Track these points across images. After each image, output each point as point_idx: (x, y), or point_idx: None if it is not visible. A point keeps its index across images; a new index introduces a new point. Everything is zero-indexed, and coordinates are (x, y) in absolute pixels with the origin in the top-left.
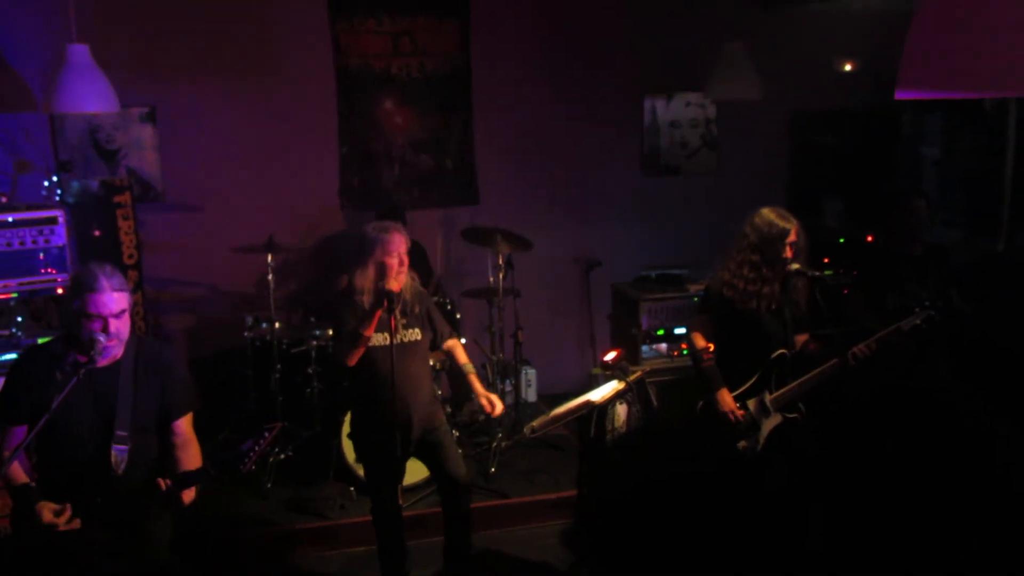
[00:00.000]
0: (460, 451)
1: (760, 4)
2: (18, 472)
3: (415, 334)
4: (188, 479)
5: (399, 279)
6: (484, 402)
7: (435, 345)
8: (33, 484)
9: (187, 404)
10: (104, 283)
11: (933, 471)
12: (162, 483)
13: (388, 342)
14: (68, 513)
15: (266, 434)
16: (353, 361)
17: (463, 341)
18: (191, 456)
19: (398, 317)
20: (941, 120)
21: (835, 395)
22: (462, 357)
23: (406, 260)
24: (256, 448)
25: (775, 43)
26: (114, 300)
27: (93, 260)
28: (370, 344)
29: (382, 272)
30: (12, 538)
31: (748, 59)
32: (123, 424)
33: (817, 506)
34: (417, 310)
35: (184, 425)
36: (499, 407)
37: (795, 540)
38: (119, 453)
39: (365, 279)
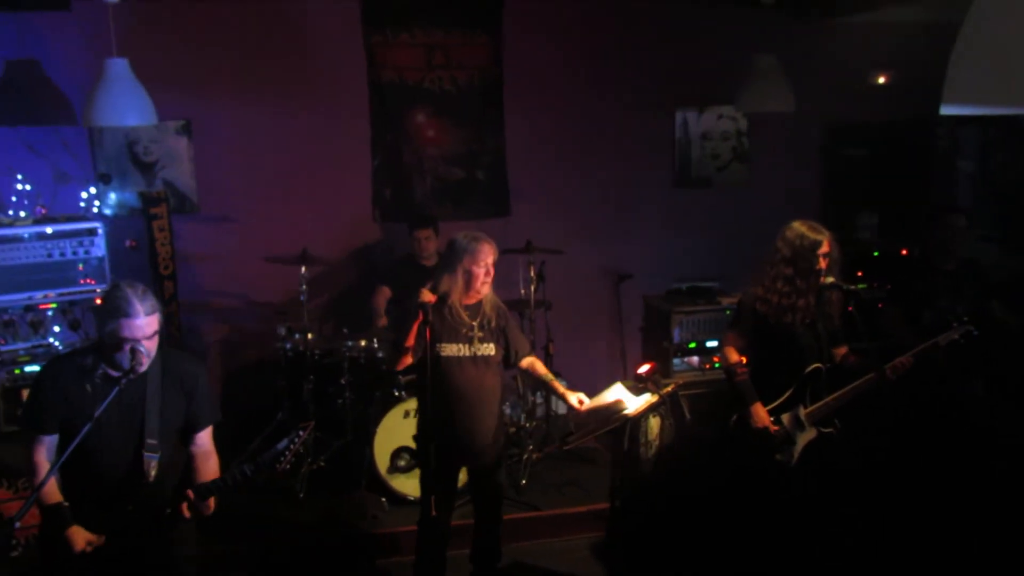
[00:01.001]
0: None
1: (793, 15)
2: (52, 490)
3: (489, 348)
4: (208, 490)
5: (482, 290)
6: (573, 401)
7: (512, 363)
8: (65, 504)
9: (210, 416)
10: (138, 307)
11: (966, 487)
12: (190, 494)
13: (461, 354)
14: (100, 542)
15: (300, 432)
16: (399, 367)
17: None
18: (210, 467)
19: (475, 329)
20: (977, 133)
21: (871, 410)
22: (541, 369)
23: (492, 271)
24: (291, 447)
25: (808, 55)
26: (148, 324)
27: (125, 278)
28: (443, 355)
29: (469, 281)
30: (41, 558)
31: (780, 71)
32: (152, 433)
33: (851, 521)
34: (494, 324)
35: (205, 436)
36: (587, 403)
37: (829, 555)
38: (150, 460)
39: (452, 286)
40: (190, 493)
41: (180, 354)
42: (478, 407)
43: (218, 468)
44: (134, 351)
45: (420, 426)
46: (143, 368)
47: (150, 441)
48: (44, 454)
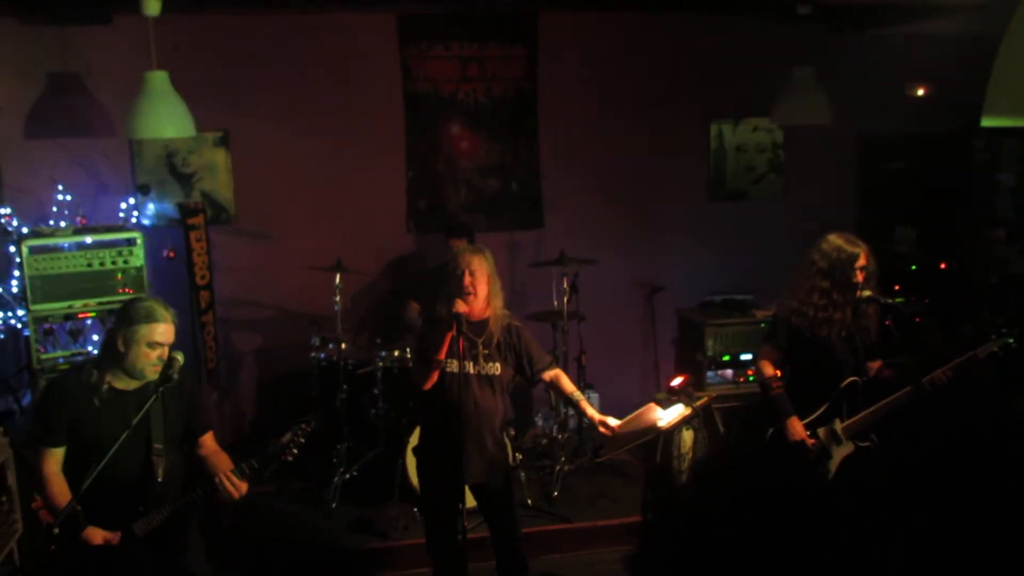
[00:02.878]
0: (521, 485)
1: (830, 27)
2: (64, 496)
3: (494, 368)
4: (240, 471)
5: (485, 304)
6: (601, 429)
7: (530, 377)
8: (78, 507)
9: (208, 422)
10: (167, 315)
11: (1007, 505)
12: (223, 478)
13: (466, 371)
14: (117, 539)
15: (303, 425)
16: (428, 385)
17: None
18: (223, 461)
19: (480, 347)
20: (1017, 145)
21: (909, 424)
22: (568, 386)
23: (478, 274)
24: (295, 439)
25: (845, 67)
26: (170, 330)
27: (162, 288)
28: (447, 370)
29: (459, 291)
30: (56, 560)
31: (817, 83)
32: (158, 438)
33: (888, 537)
34: (500, 342)
35: (211, 438)
36: (614, 425)
37: (865, 571)
38: (158, 463)
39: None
40: (223, 478)
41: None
42: (478, 425)
43: (230, 462)
44: (171, 358)
45: (421, 440)
46: (172, 373)
47: (156, 446)
48: (53, 465)
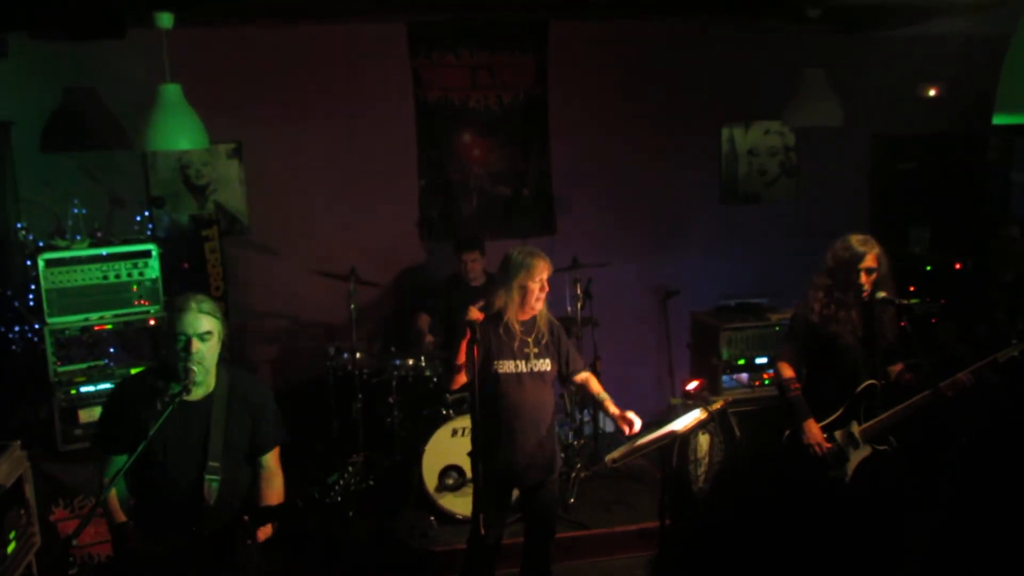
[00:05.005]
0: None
1: (840, 29)
2: (114, 509)
3: (545, 364)
4: (270, 513)
5: (536, 306)
6: (624, 425)
7: (566, 377)
8: (131, 524)
9: (277, 438)
10: (192, 304)
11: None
12: (244, 519)
13: (518, 370)
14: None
15: (350, 467)
16: (454, 386)
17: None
18: (275, 490)
19: (531, 345)
20: None
21: (927, 427)
22: (596, 387)
23: (547, 287)
24: (341, 481)
25: (856, 68)
26: (200, 320)
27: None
28: (501, 372)
29: (524, 296)
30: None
31: (828, 85)
32: (215, 455)
33: (907, 539)
34: (548, 340)
35: (272, 459)
36: (637, 424)
37: (884, 573)
38: (211, 483)
39: (508, 302)
40: (245, 519)
41: (248, 375)
42: (534, 423)
43: (282, 490)
44: (187, 370)
45: (473, 444)
46: (193, 377)
47: (212, 463)
48: (113, 471)
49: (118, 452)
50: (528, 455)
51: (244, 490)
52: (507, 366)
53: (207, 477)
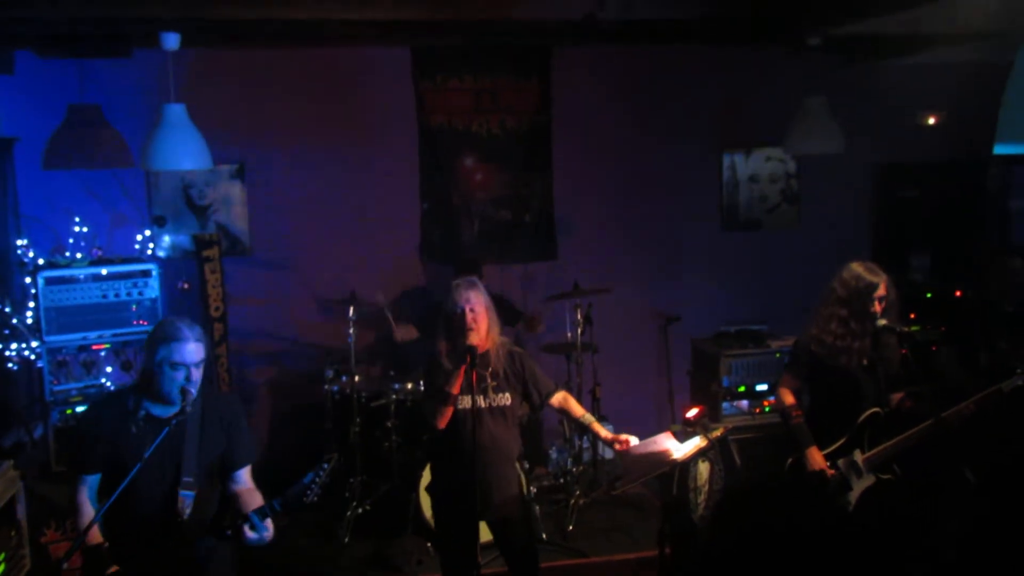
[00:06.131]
0: (536, 519)
1: (841, 58)
2: (93, 531)
3: (504, 398)
4: (263, 512)
5: (486, 336)
6: (616, 447)
7: (537, 403)
8: (106, 545)
9: (249, 455)
10: (188, 333)
11: None
12: (242, 524)
13: (477, 405)
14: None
15: (325, 465)
16: (443, 423)
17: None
18: (255, 500)
19: (488, 379)
20: None
21: (932, 457)
22: (577, 409)
23: (478, 310)
24: (317, 479)
25: (857, 96)
26: (196, 350)
27: (172, 315)
28: (459, 407)
29: (461, 327)
30: None
31: (829, 113)
32: (189, 470)
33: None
34: (506, 372)
35: (246, 474)
36: (631, 442)
37: None
38: (185, 498)
39: (444, 333)
40: (245, 520)
41: (220, 392)
42: (496, 458)
43: (261, 501)
44: (184, 391)
45: (435, 478)
46: (191, 399)
47: (186, 479)
48: (86, 493)
49: (91, 472)
50: (491, 490)
51: (215, 507)
52: (465, 401)
53: (181, 492)
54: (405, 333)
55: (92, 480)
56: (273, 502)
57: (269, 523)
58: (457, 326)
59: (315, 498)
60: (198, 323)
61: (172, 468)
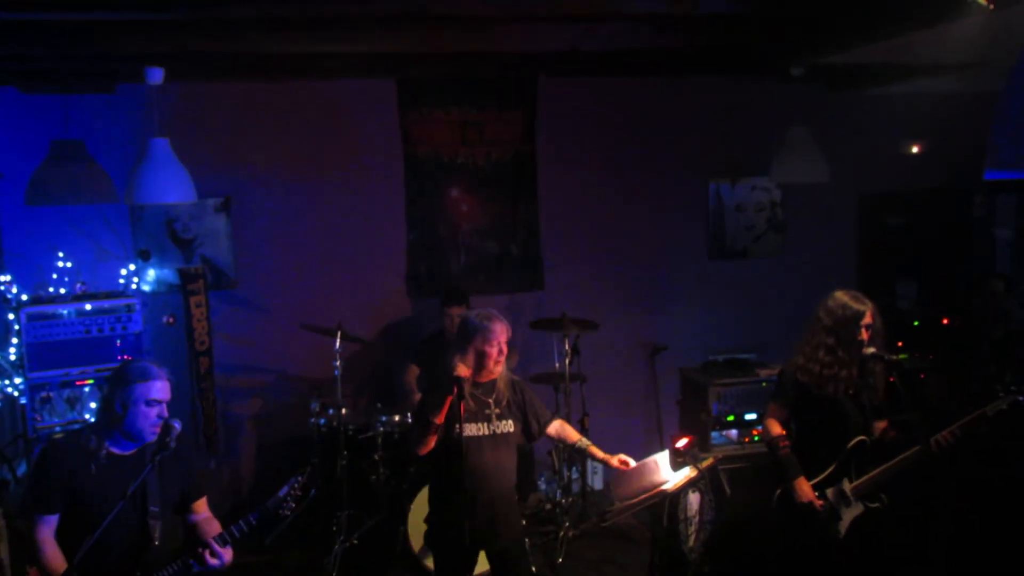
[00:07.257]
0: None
1: (825, 87)
2: (58, 563)
3: (508, 425)
4: (223, 539)
5: (495, 370)
6: (617, 464)
7: (536, 434)
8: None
9: (203, 488)
10: (159, 372)
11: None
12: (205, 549)
13: (480, 433)
14: None
15: (300, 478)
16: (424, 450)
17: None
18: (214, 528)
19: (491, 407)
20: (1015, 201)
21: (919, 484)
22: (573, 435)
23: (505, 350)
24: (292, 492)
25: (842, 125)
26: (168, 387)
27: (160, 354)
28: (465, 435)
29: (482, 360)
30: None
31: (814, 142)
32: (155, 501)
33: None
34: (509, 401)
35: (204, 504)
36: (631, 463)
37: None
38: (155, 526)
39: (465, 366)
40: (206, 547)
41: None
42: (497, 487)
43: (220, 529)
44: (168, 426)
45: (434, 507)
46: (177, 432)
47: (153, 509)
48: (46, 532)
49: (51, 513)
50: (492, 519)
51: (177, 537)
52: (470, 429)
53: (151, 522)
54: (411, 375)
55: (52, 520)
56: (250, 516)
57: (229, 549)
58: (478, 359)
59: (288, 511)
60: (184, 357)
61: (138, 502)
